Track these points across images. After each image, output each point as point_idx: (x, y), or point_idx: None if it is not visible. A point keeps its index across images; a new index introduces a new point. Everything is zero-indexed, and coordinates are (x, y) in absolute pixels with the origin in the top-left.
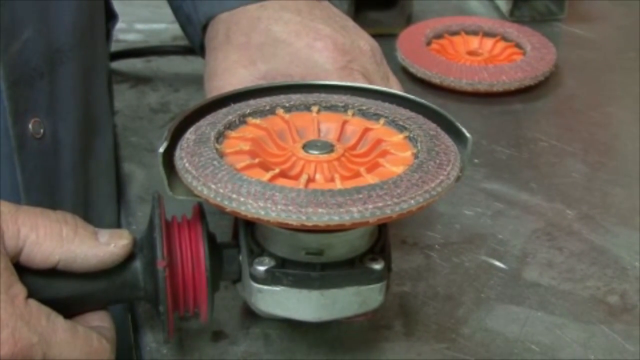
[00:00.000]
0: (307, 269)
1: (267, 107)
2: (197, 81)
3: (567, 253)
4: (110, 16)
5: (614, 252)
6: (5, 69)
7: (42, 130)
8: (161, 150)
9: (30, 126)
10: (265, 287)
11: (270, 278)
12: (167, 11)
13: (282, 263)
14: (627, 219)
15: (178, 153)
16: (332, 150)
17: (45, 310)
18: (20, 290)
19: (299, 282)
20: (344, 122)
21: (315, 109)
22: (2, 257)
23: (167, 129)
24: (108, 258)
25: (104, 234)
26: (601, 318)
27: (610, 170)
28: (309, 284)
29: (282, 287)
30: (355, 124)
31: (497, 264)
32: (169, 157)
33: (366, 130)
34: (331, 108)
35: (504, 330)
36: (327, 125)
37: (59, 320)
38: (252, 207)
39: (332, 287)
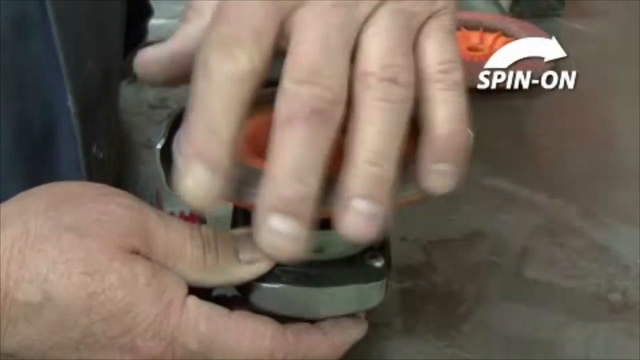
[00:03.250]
0: (307, 266)
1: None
2: None
3: (569, 250)
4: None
5: (616, 249)
6: (74, 104)
7: (101, 154)
8: (159, 146)
9: (94, 151)
10: (264, 284)
11: (269, 275)
12: (165, 6)
13: None
14: (629, 215)
15: (175, 147)
16: None
17: (204, 311)
18: (174, 294)
19: (298, 280)
20: None
21: None
22: (148, 265)
23: (165, 125)
24: (248, 278)
25: (246, 249)
26: (603, 316)
27: (612, 166)
28: (309, 281)
29: (282, 285)
30: None
31: (498, 260)
32: (167, 153)
33: None
34: None
35: (505, 328)
36: None
37: (221, 321)
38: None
39: (331, 285)
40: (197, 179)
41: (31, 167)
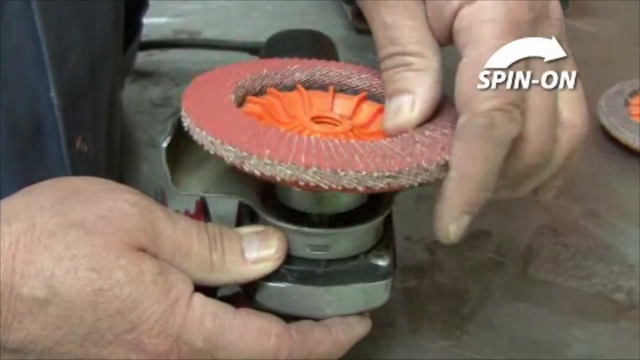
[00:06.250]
0: (312, 265)
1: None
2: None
3: (573, 250)
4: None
5: (621, 248)
6: (58, 96)
7: (86, 148)
8: (164, 145)
9: (77, 145)
10: (270, 283)
11: (274, 274)
12: (168, 5)
13: (287, 259)
14: (633, 215)
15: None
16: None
17: (210, 309)
18: (180, 292)
19: (304, 279)
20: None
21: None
22: (155, 263)
23: (171, 124)
24: (254, 278)
25: (252, 248)
26: (608, 315)
27: (616, 166)
28: (314, 280)
29: (287, 284)
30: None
31: (503, 260)
32: (172, 152)
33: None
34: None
35: (510, 328)
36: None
37: (226, 319)
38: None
39: (337, 284)
40: (462, 225)
41: (22, 161)
